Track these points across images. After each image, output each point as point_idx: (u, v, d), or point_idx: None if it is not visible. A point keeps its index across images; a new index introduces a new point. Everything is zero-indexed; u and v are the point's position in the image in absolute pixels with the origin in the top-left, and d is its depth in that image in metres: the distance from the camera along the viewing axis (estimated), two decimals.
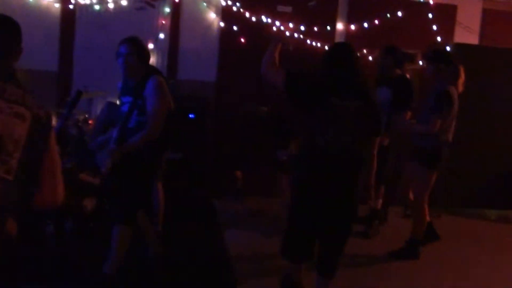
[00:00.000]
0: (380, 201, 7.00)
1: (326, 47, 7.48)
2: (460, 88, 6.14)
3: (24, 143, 2.60)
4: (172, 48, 8.19)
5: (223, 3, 8.11)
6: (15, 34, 2.84)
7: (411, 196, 6.32)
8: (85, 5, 7.94)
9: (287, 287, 4.79)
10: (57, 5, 7.92)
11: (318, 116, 4.33)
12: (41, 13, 7.89)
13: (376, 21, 8.34)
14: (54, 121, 4.19)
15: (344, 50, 4.60)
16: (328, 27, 8.32)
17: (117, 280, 4.70)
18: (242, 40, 8.02)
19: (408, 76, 7.03)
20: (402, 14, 8.35)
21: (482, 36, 8.88)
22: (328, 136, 4.29)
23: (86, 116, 6.75)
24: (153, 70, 4.95)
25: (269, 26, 8.08)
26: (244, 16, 8.08)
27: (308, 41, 8.17)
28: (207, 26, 8.25)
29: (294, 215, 4.61)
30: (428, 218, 6.29)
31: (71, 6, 7.90)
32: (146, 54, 4.82)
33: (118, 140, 4.62)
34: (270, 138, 7.22)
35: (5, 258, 2.68)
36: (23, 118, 2.62)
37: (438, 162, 6.01)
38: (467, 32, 8.72)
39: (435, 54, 6.13)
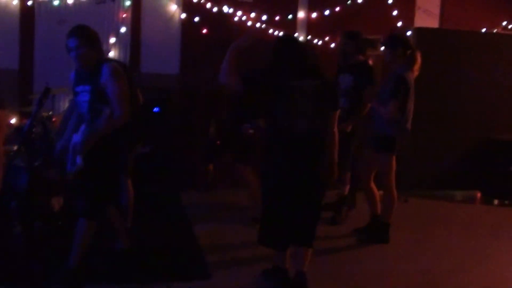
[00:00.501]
0: (348, 187, 7.04)
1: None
2: (416, 72, 6.19)
3: None
4: (134, 42, 8.13)
5: None
6: None
7: (363, 179, 6.42)
8: (44, 1, 7.83)
9: (272, 275, 4.94)
10: (15, 2, 7.79)
11: (280, 100, 4.57)
12: (0, 12, 7.78)
13: (337, 8, 8.39)
14: (15, 120, 4.12)
15: (288, 38, 4.96)
16: (290, 16, 8.34)
17: (81, 274, 4.67)
18: (204, 31, 8.00)
19: (370, 62, 7.06)
20: (362, 1, 8.41)
21: (442, 19, 8.97)
22: (290, 117, 4.57)
23: (50, 113, 6.68)
24: (105, 58, 4.92)
25: (230, 16, 8.08)
26: (205, 7, 8.06)
27: (271, 30, 8.19)
28: (169, 18, 8.21)
29: (269, 198, 4.80)
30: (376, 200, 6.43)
31: (29, 3, 7.79)
32: (96, 40, 4.69)
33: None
34: (236, 111, 6.97)
35: None
36: None
37: (394, 145, 6.07)
38: (428, 16, 8.82)
39: (392, 40, 6.18)
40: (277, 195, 4.76)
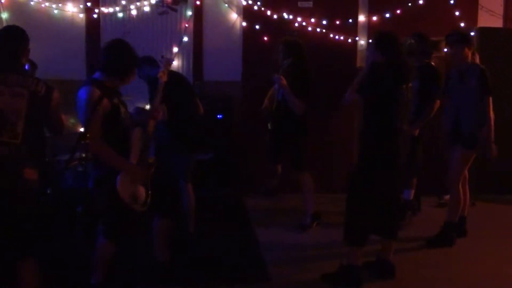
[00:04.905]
0: (413, 191, 6.98)
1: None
2: None
3: (25, 113, 3.74)
4: (196, 50, 8.29)
5: (244, 3, 8.17)
6: (21, 39, 4.05)
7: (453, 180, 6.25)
8: (109, 14, 8.09)
9: (351, 277, 5.03)
10: (81, 15, 8.07)
11: (395, 101, 4.95)
12: (67, 24, 8.08)
13: (398, 11, 8.32)
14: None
15: (391, 35, 5.18)
16: (350, 20, 8.32)
17: None
18: (265, 38, 8.07)
19: (433, 64, 6.97)
20: (423, 2, 8.32)
21: (506, 19, 8.79)
22: (398, 116, 4.98)
23: None
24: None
25: (290, 22, 8.13)
26: (266, 14, 8.14)
27: (331, 35, 8.19)
28: (230, 26, 8.33)
29: (365, 195, 5.01)
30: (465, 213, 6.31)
31: (95, 16, 8.05)
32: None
33: None
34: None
35: (29, 198, 3.78)
36: (22, 96, 3.76)
37: (477, 142, 6.02)
38: (491, 16, 8.65)
39: (463, 37, 6.11)
40: (374, 191, 5.01)
